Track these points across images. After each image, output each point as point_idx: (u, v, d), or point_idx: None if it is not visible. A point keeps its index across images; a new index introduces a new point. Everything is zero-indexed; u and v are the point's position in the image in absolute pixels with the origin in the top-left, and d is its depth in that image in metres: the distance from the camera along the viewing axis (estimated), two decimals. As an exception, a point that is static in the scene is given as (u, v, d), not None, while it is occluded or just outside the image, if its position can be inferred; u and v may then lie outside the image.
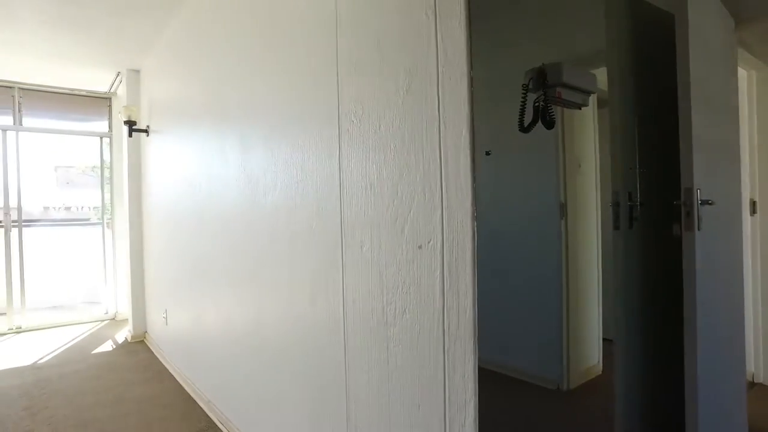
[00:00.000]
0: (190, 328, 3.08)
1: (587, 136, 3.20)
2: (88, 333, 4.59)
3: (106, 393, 3.05)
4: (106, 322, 5.00)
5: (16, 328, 4.70)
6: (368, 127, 1.36)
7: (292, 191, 1.73)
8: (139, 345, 4.13)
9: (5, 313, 4.73)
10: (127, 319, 4.43)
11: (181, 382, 3.16)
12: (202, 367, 2.84)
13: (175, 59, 3.30)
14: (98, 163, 5.49)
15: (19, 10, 3.12)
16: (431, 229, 1.16)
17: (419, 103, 1.19)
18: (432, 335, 1.16)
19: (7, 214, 4.73)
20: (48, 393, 3.10)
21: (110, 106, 5.17)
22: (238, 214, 2.25)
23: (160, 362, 3.63)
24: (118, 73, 4.41)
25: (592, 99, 3.20)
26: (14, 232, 4.79)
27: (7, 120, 4.75)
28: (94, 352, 3.97)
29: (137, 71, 4.30)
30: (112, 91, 4.98)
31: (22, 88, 4.76)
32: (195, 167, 2.86)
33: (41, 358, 3.82)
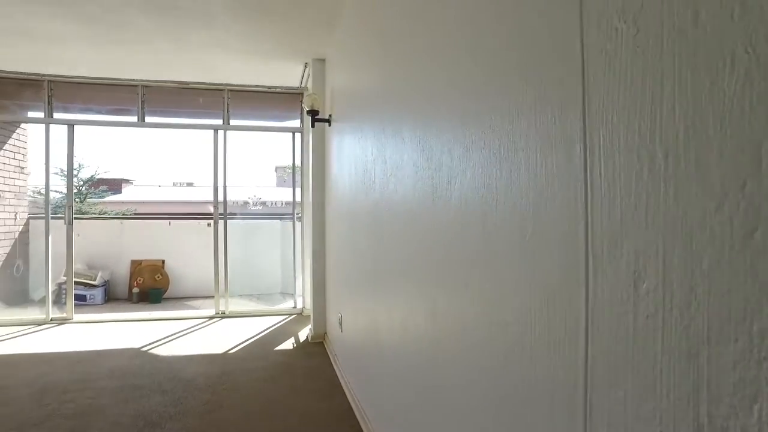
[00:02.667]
0: (362, 340, 2.67)
1: None
2: (276, 326, 4.66)
3: (275, 402, 2.85)
4: (294, 316, 5.07)
5: (221, 313, 5.05)
6: (659, 24, 0.62)
7: (490, 176, 1.07)
8: (317, 347, 3.96)
9: (213, 296, 5.14)
10: (311, 315, 4.35)
11: (350, 401, 2.78)
12: (373, 390, 2.38)
13: (352, 41, 2.94)
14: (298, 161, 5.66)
15: (211, 6, 3.12)
16: None
17: None
18: None
19: (216, 207, 5.12)
20: (228, 389, 3.04)
21: (301, 101, 5.22)
22: (414, 208, 1.69)
23: (334, 371, 3.35)
24: (306, 64, 4.33)
25: None
26: (219, 224, 5.16)
27: (217, 120, 5.14)
28: (276, 348, 3.93)
29: (322, 60, 4.15)
30: (303, 85, 5.01)
31: (231, 90, 5.09)
32: (370, 154, 2.42)
33: (232, 348, 3.92)
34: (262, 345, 4.03)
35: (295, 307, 5.25)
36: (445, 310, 1.36)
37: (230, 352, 3.83)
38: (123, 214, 11.24)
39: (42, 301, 4.86)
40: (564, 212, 0.80)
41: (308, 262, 4.85)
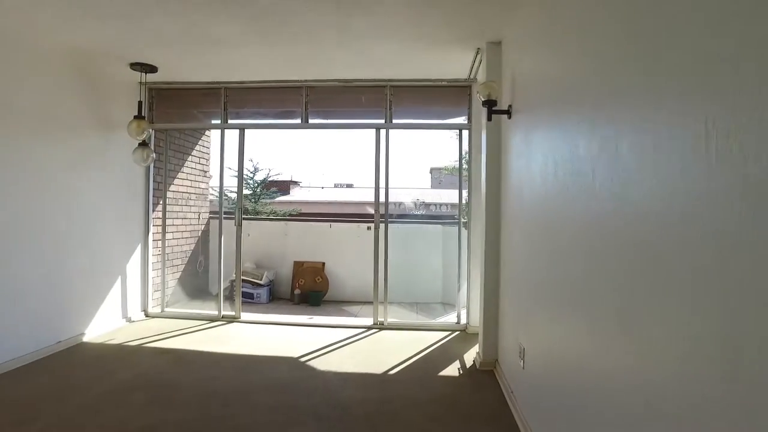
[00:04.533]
0: (557, 386, 2.01)
1: None
2: (439, 344, 4.16)
3: (446, 453, 2.34)
4: (457, 332, 4.52)
5: (379, 324, 4.74)
6: None
7: None
8: (487, 377, 3.35)
9: (370, 302, 4.85)
10: (478, 334, 3.76)
11: (543, 470, 2.14)
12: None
13: (546, 12, 2.28)
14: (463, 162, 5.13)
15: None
16: None
17: None
18: None
19: (377, 209, 4.82)
20: (388, 424, 2.62)
21: (470, 95, 4.66)
22: (666, 222, 1.01)
23: (511, 413, 2.71)
24: (478, 50, 3.75)
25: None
26: (380, 227, 4.85)
27: (379, 119, 4.84)
28: (440, 374, 3.42)
29: (497, 43, 3.53)
30: (471, 77, 4.44)
31: (393, 86, 4.75)
32: (582, 148, 1.75)
33: (391, 369, 3.52)
34: (424, 368, 3.56)
35: (458, 322, 4.70)
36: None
37: (389, 373, 3.44)
38: (289, 215, 11.95)
39: (218, 296, 5.08)
40: None
41: (474, 272, 4.27)
